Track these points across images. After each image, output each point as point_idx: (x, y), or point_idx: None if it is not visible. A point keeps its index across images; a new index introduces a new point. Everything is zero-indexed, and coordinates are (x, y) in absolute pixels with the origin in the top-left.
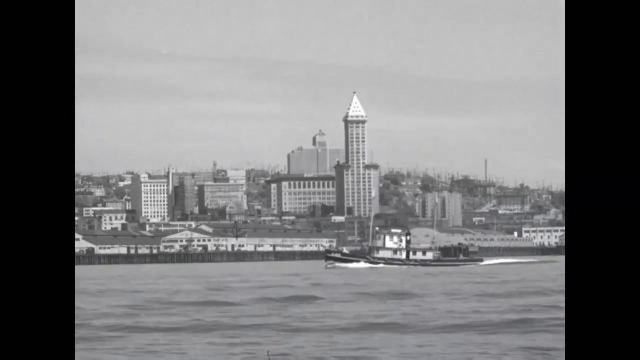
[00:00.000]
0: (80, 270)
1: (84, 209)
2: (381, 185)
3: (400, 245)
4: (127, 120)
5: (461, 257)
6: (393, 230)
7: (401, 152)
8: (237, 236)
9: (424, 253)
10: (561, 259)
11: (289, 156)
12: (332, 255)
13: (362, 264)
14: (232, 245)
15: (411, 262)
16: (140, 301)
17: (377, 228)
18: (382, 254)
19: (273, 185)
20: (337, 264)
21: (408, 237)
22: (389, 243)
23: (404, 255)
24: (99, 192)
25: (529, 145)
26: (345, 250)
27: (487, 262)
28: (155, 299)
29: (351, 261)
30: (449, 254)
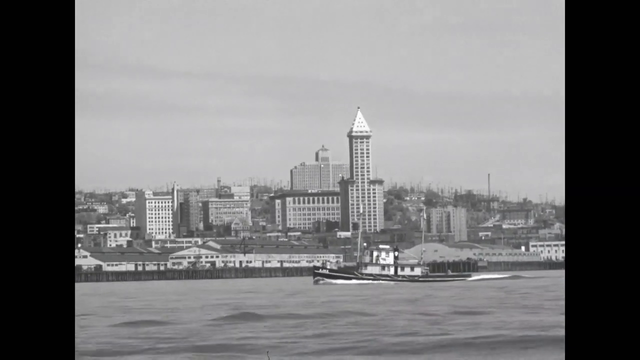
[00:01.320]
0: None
1: (88, 226)
2: (385, 200)
3: (388, 261)
4: (129, 137)
5: (449, 272)
6: (381, 247)
7: (404, 167)
8: (244, 252)
9: (412, 269)
10: (561, 273)
11: (291, 172)
12: (321, 271)
13: (350, 280)
14: (240, 262)
15: (399, 278)
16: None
17: (364, 244)
18: (370, 270)
19: (277, 201)
20: (327, 280)
21: (396, 253)
22: (376, 259)
23: (392, 271)
24: (102, 209)
25: (532, 159)
26: (331, 266)
27: (474, 277)
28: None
29: (339, 277)
30: (437, 270)
